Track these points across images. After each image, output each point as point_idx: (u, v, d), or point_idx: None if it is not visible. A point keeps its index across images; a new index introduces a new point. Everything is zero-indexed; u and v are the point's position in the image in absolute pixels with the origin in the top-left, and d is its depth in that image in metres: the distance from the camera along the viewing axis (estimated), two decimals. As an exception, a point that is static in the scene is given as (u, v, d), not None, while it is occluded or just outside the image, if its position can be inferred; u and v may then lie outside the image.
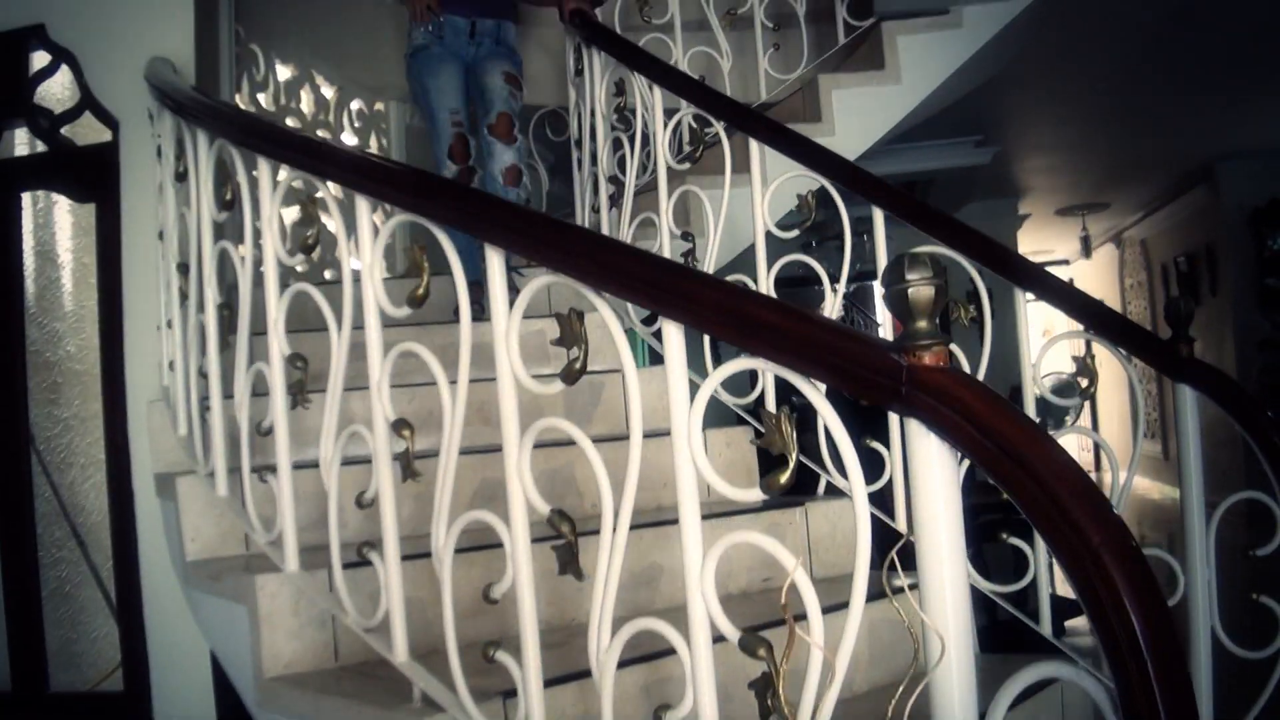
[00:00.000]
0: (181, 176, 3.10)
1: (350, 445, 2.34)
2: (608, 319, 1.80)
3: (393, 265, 5.17)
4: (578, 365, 1.82)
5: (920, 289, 1.43)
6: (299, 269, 4.88)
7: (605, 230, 4.11)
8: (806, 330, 1.52)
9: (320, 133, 5.41)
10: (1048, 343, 3.18)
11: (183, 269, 3.15)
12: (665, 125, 3.83)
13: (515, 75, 4.56)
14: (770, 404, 3.28)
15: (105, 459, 3.85)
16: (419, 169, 2.18)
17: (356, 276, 2.26)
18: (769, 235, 3.52)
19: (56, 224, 4.23)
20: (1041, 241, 13.14)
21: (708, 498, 1.78)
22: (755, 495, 1.60)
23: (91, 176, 3.91)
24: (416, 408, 3.02)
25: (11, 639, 3.91)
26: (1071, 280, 15.47)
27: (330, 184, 2.38)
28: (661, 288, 1.68)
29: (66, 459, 4.13)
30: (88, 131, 3.97)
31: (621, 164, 4.09)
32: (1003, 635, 3.79)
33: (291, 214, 3.27)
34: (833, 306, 3.44)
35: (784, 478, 1.57)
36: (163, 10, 3.96)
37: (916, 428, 1.42)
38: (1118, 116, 7.79)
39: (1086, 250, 12.02)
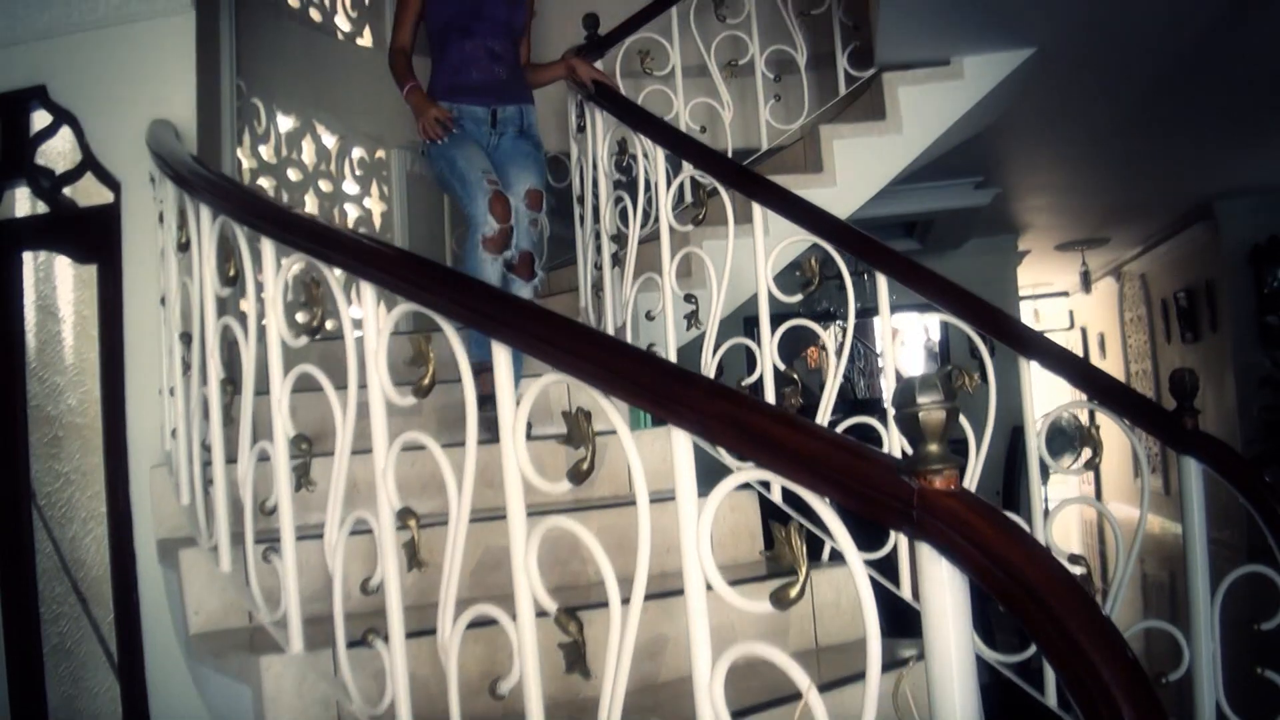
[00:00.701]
0: (184, 247, 3.10)
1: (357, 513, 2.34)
2: (616, 423, 1.80)
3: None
4: (585, 466, 1.82)
5: (931, 413, 1.43)
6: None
7: (608, 288, 4.12)
8: (816, 447, 1.52)
9: (322, 183, 5.41)
10: (1051, 412, 3.17)
11: (185, 339, 3.15)
12: (668, 186, 3.84)
13: (540, 191, 4.15)
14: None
15: (107, 522, 3.86)
16: (426, 259, 2.18)
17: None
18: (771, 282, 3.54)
19: (57, 278, 4.24)
20: (1041, 274, 13.16)
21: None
22: (764, 608, 1.61)
23: (93, 238, 3.91)
24: (419, 471, 3.02)
25: (12, 695, 3.90)
26: (1071, 313, 15.53)
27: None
28: (669, 397, 1.68)
29: (67, 514, 4.13)
30: (90, 192, 3.98)
31: (624, 216, 4.10)
32: (1003, 695, 3.78)
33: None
34: (835, 345, 3.45)
35: (794, 591, 1.58)
36: (164, 71, 3.98)
37: (928, 552, 1.42)
38: (1117, 158, 7.81)
39: (1086, 285, 12.03)
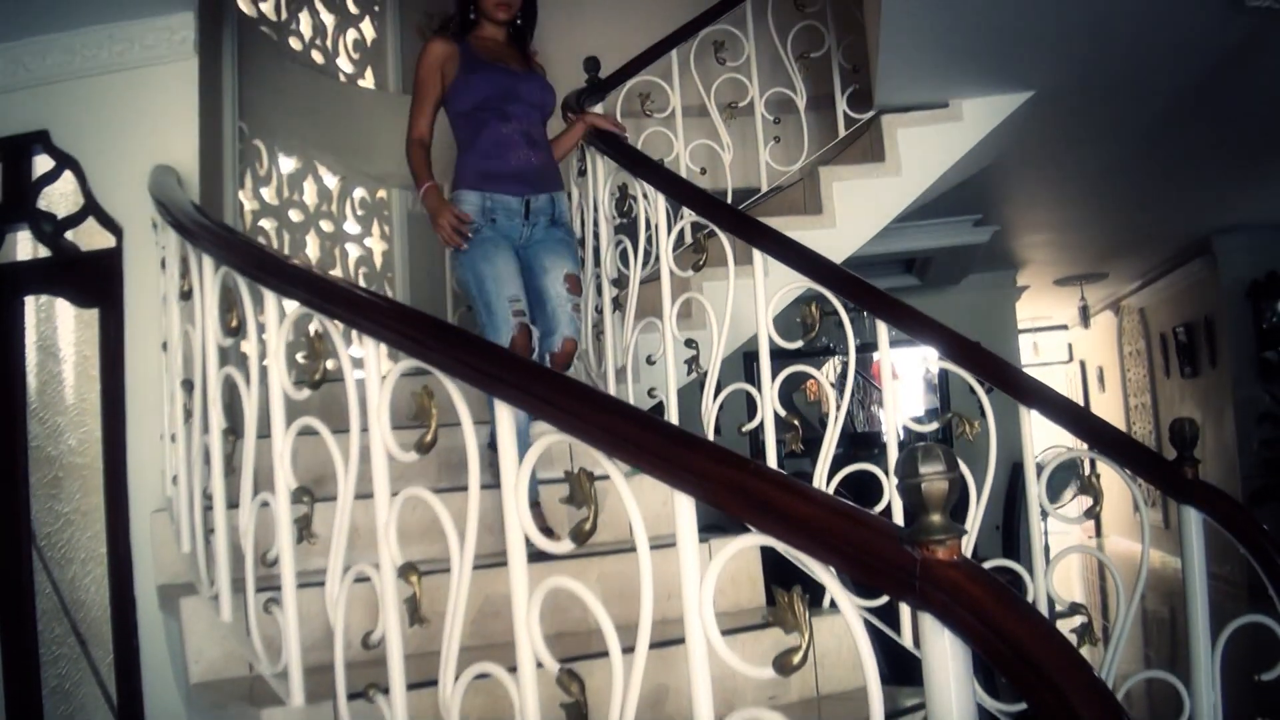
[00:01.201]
0: (186, 295, 3.11)
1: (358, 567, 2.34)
2: (618, 484, 1.81)
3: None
4: (587, 526, 1.83)
5: (934, 483, 1.44)
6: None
7: (608, 332, 4.13)
8: (819, 515, 1.53)
9: (323, 223, 5.44)
10: (1050, 461, 3.17)
11: (187, 386, 3.15)
12: (669, 229, 3.86)
13: (578, 275, 3.91)
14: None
15: (108, 567, 3.86)
16: (429, 316, 2.18)
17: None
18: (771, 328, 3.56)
19: (59, 317, 4.25)
20: (1040, 308, 13.18)
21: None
22: (767, 673, 1.61)
23: (95, 282, 3.93)
24: (420, 516, 3.00)
25: (13, 737, 3.89)
26: (1071, 346, 15.55)
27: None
28: (672, 461, 1.69)
29: (67, 554, 4.13)
30: (92, 236, 4.00)
31: (624, 257, 4.11)
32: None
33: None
34: (835, 377, 3.46)
35: (797, 658, 1.58)
36: (167, 117, 4.01)
37: (930, 622, 1.43)
38: (1115, 196, 7.84)
39: (1085, 319, 12.06)
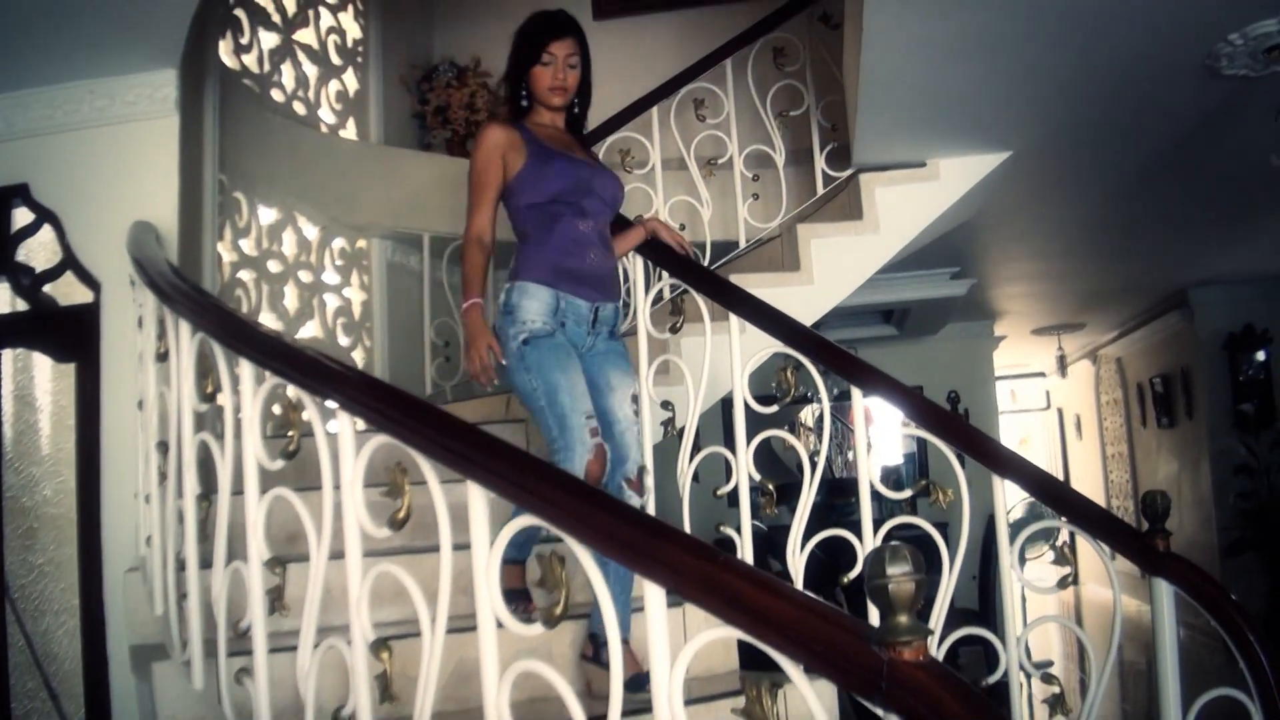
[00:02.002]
0: (163, 357, 3.11)
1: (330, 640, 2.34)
2: (587, 566, 1.82)
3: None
4: (558, 611, 1.83)
5: (901, 585, 1.45)
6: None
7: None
8: (789, 612, 1.54)
9: (302, 273, 5.45)
10: (1025, 533, 3.18)
11: (162, 447, 3.15)
12: (646, 290, 3.87)
13: (637, 394, 3.52)
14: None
15: (80, 626, 3.83)
16: (404, 392, 2.19)
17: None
18: (748, 393, 3.58)
19: (35, 367, 4.23)
20: (1017, 355, 13.23)
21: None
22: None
23: (72, 337, 3.92)
24: (393, 581, 3.00)
25: (-18, 795, 3.86)
26: (1048, 393, 15.62)
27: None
28: (644, 552, 1.70)
29: (40, 606, 4.10)
30: (70, 291, 3.99)
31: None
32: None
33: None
34: (810, 419, 3.47)
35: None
36: (147, 172, 4.02)
37: (897, 721, 1.44)
38: (1093, 250, 7.90)
39: (1062, 369, 12.13)
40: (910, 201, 5.07)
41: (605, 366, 3.43)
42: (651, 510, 3.50)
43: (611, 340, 3.48)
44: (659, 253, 3.80)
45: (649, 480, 3.48)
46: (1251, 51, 3.89)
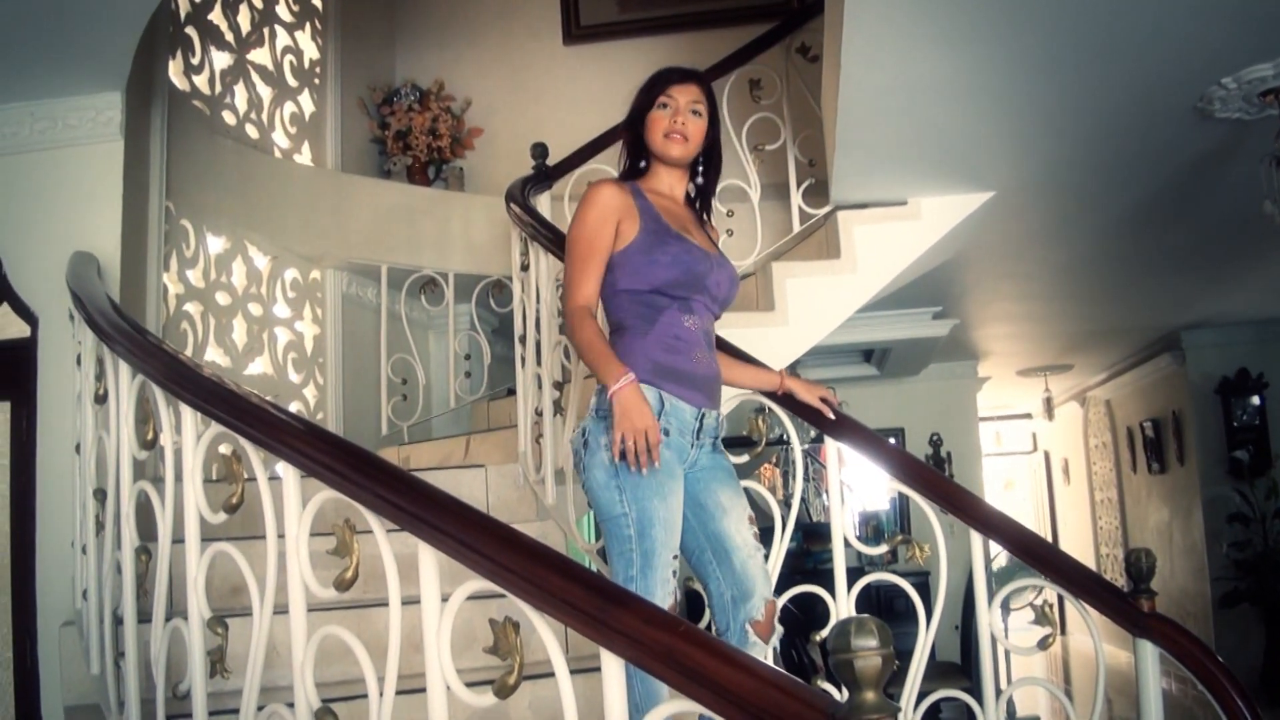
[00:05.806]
0: (102, 399, 3.10)
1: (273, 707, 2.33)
2: (547, 641, 1.82)
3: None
4: (511, 680, 1.84)
5: (868, 660, 1.46)
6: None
7: (548, 436, 4.15)
8: (750, 685, 1.55)
9: (252, 306, 5.43)
10: (1007, 589, 3.21)
11: (100, 495, 3.14)
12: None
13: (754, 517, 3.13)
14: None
15: (13, 683, 3.78)
16: (355, 447, 2.19)
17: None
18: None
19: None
20: (1002, 397, 13.29)
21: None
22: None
23: (7, 374, 3.90)
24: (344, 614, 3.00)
25: None
26: (1035, 436, 15.68)
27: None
28: (602, 621, 1.70)
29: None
30: (6, 324, 3.96)
31: (567, 352, 4.14)
32: None
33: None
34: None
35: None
36: (89, 199, 4.01)
37: (864, 802, 1.44)
38: (1079, 292, 7.93)
39: (1049, 411, 12.19)
40: (890, 241, 5.07)
41: (713, 485, 3.06)
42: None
43: (715, 454, 3.10)
44: (792, 408, 3.46)
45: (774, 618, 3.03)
46: (1245, 95, 3.94)
